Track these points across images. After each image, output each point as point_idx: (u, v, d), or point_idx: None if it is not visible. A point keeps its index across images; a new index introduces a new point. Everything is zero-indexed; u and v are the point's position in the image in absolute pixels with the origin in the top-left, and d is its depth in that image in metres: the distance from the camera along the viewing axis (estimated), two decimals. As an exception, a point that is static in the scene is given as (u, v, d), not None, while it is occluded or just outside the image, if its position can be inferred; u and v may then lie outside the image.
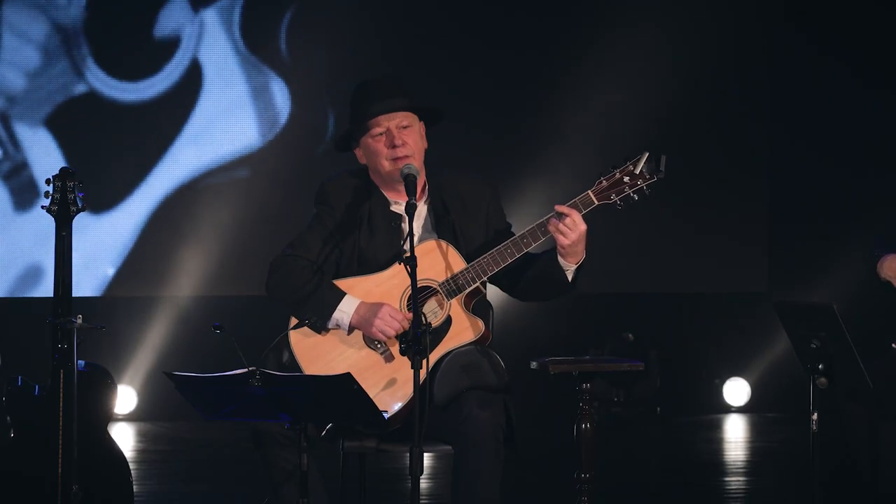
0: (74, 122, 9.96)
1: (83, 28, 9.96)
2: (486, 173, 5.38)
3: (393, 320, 4.92)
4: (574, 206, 4.94)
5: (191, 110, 10.07)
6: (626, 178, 4.98)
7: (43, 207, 5.79)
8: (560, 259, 4.97)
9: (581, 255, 4.98)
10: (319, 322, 4.97)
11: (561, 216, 4.92)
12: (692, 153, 10.17)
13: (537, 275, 5.04)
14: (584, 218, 4.94)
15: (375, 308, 4.94)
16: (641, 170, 4.98)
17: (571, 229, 4.91)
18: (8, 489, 5.81)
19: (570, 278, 5.01)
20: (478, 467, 4.78)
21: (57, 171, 5.81)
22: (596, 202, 4.98)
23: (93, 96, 9.99)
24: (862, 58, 10.10)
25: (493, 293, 5.15)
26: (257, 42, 10.11)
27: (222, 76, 10.07)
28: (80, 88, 9.97)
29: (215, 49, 10.06)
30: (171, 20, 10.03)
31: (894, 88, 9.95)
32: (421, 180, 5.13)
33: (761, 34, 10.39)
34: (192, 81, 10.07)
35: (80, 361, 5.74)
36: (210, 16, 10.07)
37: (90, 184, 5.97)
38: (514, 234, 5.05)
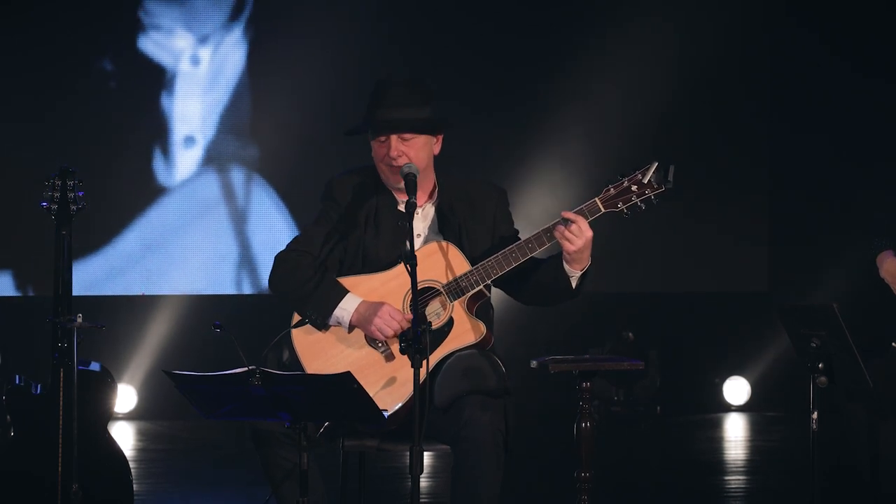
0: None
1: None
2: (490, 178, 5.37)
3: (392, 320, 4.91)
4: (581, 213, 4.92)
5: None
6: (634, 187, 4.96)
7: (43, 207, 5.78)
8: (565, 265, 4.96)
9: (586, 261, 4.97)
10: (320, 319, 4.97)
11: (567, 222, 4.90)
12: (693, 153, 10.16)
13: (541, 281, 5.03)
14: (591, 223, 4.93)
15: (376, 307, 4.93)
16: (650, 179, 4.96)
17: (577, 236, 4.89)
18: (8, 489, 5.81)
19: (573, 285, 5.00)
20: (478, 471, 4.76)
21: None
22: (603, 210, 4.96)
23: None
24: (863, 57, 10.09)
25: (495, 293, 5.15)
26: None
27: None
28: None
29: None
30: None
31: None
32: (430, 182, 5.12)
33: (762, 31, 10.39)
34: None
35: (81, 360, 5.75)
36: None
37: (92, 184, 5.97)
38: (520, 240, 5.05)
